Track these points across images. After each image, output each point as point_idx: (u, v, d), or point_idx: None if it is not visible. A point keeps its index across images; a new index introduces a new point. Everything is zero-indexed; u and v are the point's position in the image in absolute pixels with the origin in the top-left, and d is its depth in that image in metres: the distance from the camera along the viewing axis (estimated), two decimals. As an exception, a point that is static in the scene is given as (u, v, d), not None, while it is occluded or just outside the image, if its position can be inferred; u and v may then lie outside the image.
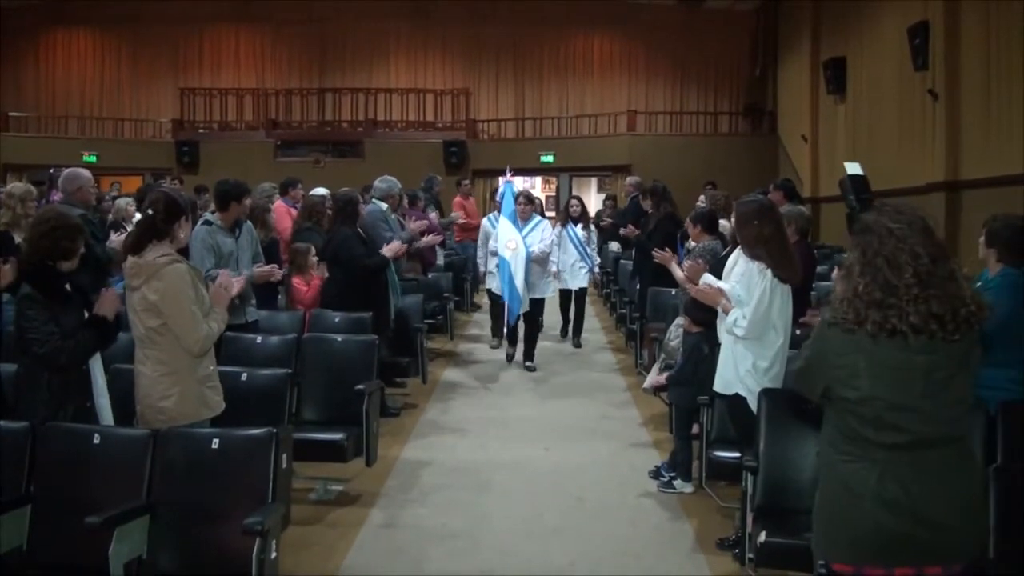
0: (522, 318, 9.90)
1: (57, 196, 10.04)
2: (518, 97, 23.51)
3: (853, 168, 11.08)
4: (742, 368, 4.91)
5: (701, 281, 5.30)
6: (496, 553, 5.12)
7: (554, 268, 10.68)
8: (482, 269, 11.07)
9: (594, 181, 24.12)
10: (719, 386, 5.07)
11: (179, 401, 4.26)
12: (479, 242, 11.23)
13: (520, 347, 10.22)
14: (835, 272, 3.23)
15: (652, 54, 23.15)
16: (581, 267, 11.14)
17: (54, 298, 4.35)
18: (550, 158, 21.90)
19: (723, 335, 5.07)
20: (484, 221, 11.19)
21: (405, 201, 10.19)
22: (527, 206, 10.03)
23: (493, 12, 22.70)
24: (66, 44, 23.79)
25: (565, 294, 11.43)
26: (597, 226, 13.37)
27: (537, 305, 10.22)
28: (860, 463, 2.86)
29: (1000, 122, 10.25)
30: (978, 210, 10.02)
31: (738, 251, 5.27)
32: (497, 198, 11.02)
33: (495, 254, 9.97)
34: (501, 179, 10.71)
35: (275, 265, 6.94)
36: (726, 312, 4.93)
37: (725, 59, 22.80)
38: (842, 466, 2.90)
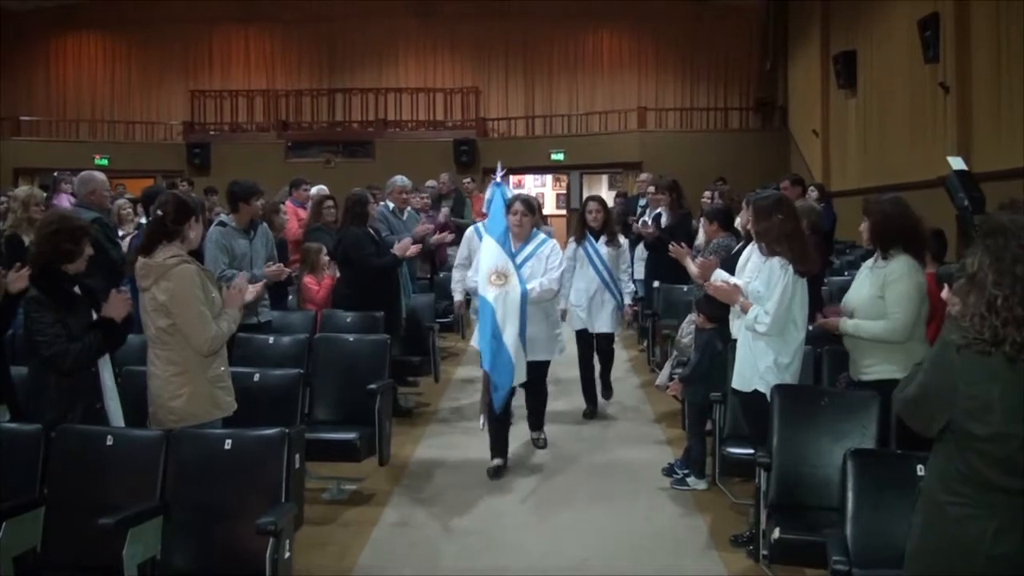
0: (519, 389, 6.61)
1: (61, 199, 10.09)
2: (528, 95, 23.47)
3: (957, 163, 9.77)
4: (762, 364, 4.87)
5: (713, 277, 5.29)
6: (509, 550, 5.11)
7: (562, 304, 7.43)
8: (457, 298, 7.87)
9: (605, 179, 24.08)
10: (738, 383, 5.03)
11: (189, 401, 4.28)
12: (456, 262, 7.89)
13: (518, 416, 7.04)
14: (943, 290, 2.78)
15: (662, 50, 23.09)
16: (607, 301, 7.91)
17: (59, 300, 4.37)
18: (560, 156, 21.85)
19: (741, 331, 5.03)
20: (469, 232, 7.72)
21: (415, 198, 10.15)
22: (525, 218, 6.49)
23: (502, 10, 22.65)
24: (76, 48, 23.87)
25: (584, 339, 7.99)
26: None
27: (539, 371, 6.71)
28: (974, 510, 2.48)
29: (1012, 114, 10.18)
30: (990, 203, 9.96)
31: (752, 247, 5.25)
32: (484, 208, 7.90)
33: (473, 292, 6.88)
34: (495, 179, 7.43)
35: (281, 264, 6.95)
36: (744, 310, 4.89)
37: (735, 54, 22.71)
38: (952, 510, 2.52)
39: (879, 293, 4.68)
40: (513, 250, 6.41)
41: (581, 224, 7.98)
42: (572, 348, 7.74)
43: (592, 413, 7.91)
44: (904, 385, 2.73)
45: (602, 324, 7.91)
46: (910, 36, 12.72)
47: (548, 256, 6.54)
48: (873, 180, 14.14)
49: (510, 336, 6.08)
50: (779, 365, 4.85)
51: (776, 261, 4.82)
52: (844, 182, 16.40)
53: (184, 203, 4.44)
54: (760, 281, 4.88)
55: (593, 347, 8.00)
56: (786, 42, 21.07)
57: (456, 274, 7.60)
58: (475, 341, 6.47)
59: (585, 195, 23.07)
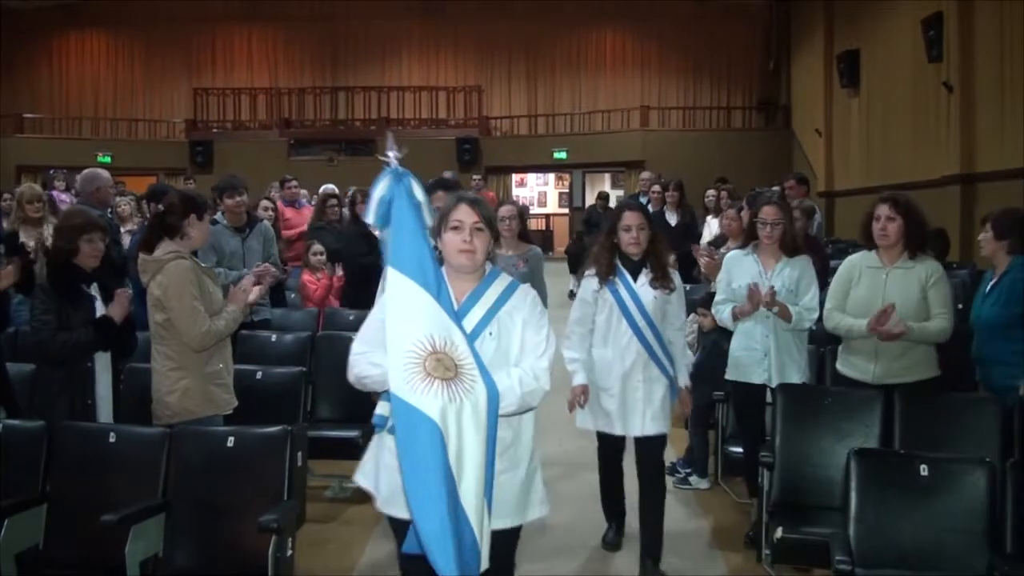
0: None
1: (57, 195, 10.11)
2: (531, 93, 23.48)
3: None
4: (803, 358, 5.04)
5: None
6: (511, 550, 5.10)
7: (578, 379, 4.62)
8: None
9: (607, 177, 24.08)
10: (778, 381, 4.94)
11: (183, 396, 4.28)
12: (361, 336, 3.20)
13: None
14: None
15: (665, 49, 23.09)
16: (654, 380, 4.57)
17: (63, 292, 4.42)
18: (563, 154, 21.84)
19: (775, 332, 4.93)
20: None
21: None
22: (480, 236, 2.99)
23: (505, 8, 22.67)
24: (79, 46, 23.91)
25: (611, 446, 4.83)
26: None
27: (505, 546, 3.06)
28: None
29: (1015, 113, 10.16)
30: (994, 203, 9.92)
31: (749, 248, 5.19)
32: (370, 218, 2.99)
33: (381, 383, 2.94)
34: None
35: (268, 264, 6.76)
36: (785, 318, 4.84)
37: (738, 54, 22.72)
38: None
39: (921, 295, 4.65)
40: (456, 306, 2.97)
41: (609, 250, 4.61)
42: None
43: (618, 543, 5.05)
44: None
45: (645, 421, 4.56)
46: (914, 35, 12.70)
47: (526, 321, 3.09)
48: (876, 180, 14.12)
49: (470, 488, 2.73)
50: (810, 354, 5.16)
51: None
52: (847, 182, 16.40)
53: (186, 199, 4.45)
54: (789, 279, 4.93)
55: (622, 457, 4.86)
56: (789, 41, 21.06)
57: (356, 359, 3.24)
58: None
59: (588, 193, 23.24)
